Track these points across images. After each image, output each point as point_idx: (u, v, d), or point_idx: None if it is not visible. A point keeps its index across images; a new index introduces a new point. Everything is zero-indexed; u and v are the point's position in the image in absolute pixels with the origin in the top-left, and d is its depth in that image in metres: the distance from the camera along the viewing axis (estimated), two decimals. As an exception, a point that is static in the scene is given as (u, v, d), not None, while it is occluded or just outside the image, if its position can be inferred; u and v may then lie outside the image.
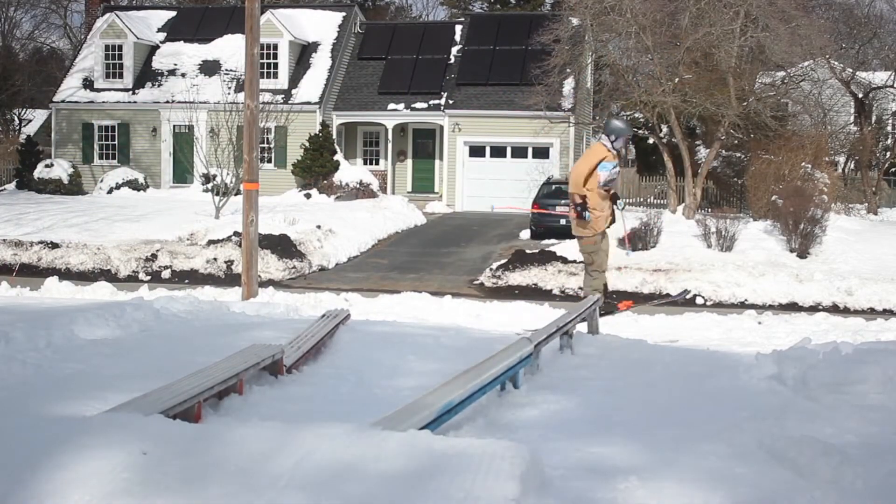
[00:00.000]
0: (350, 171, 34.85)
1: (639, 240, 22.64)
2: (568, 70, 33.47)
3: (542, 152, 35.38)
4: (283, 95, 35.74)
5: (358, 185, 34.08)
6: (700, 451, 5.64)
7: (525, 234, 27.41)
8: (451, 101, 36.21)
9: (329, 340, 9.26)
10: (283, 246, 23.14)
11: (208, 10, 41.60)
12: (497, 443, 5.01)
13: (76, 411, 6.04)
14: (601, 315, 10.97)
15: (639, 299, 19.06)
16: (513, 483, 4.21)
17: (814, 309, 18.22)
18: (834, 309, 18.35)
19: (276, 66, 36.93)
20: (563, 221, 25.88)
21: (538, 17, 39.82)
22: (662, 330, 13.23)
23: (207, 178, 31.01)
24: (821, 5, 36.83)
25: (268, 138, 34.73)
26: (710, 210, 29.99)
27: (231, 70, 35.75)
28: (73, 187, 35.98)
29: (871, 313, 17.78)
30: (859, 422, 5.92)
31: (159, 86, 37.83)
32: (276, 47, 36.79)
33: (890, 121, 39.17)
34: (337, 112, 37.53)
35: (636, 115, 36.77)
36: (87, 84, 38.56)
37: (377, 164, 38.41)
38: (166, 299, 13.79)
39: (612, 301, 12.70)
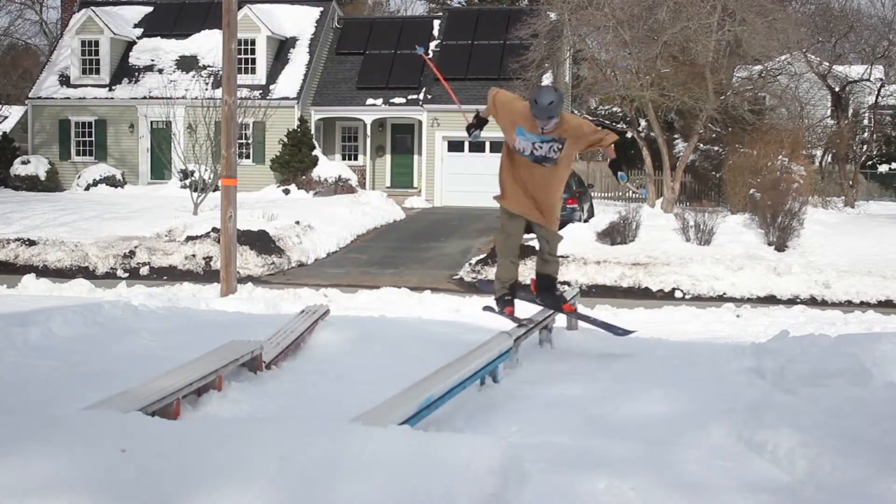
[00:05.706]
0: (328, 167, 34.78)
1: (617, 234, 22.70)
2: (546, 64, 33.48)
3: (521, 147, 35.31)
4: (261, 91, 35.61)
5: (336, 181, 34.02)
6: (679, 445, 5.67)
7: (504, 228, 27.38)
8: (429, 96, 36.14)
9: (308, 336, 9.24)
10: (261, 242, 23.05)
11: (185, 6, 41.35)
12: (477, 437, 5.02)
13: (54, 409, 6.00)
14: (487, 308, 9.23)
15: (617, 293, 19.15)
16: (493, 478, 4.22)
17: (792, 302, 18.33)
18: (812, 302, 18.46)
19: (253, 61, 36.79)
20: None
21: (516, 11, 39.82)
22: (641, 323, 13.26)
23: (185, 175, 30.84)
24: (797, -1, 37.02)
25: (246, 134, 34.61)
26: (688, 204, 30.09)
27: (209, 65, 35.61)
28: (51, 184, 35.79)
29: (848, 306, 17.88)
30: (836, 414, 5.95)
31: (136, 81, 37.61)
32: (253, 42, 36.66)
33: (866, 114, 39.36)
34: (315, 107, 37.42)
35: (614, 108, 36.86)
36: (64, 80, 38.30)
37: (356, 159, 38.33)
38: (144, 296, 13.76)
39: (507, 298, 9.02)
